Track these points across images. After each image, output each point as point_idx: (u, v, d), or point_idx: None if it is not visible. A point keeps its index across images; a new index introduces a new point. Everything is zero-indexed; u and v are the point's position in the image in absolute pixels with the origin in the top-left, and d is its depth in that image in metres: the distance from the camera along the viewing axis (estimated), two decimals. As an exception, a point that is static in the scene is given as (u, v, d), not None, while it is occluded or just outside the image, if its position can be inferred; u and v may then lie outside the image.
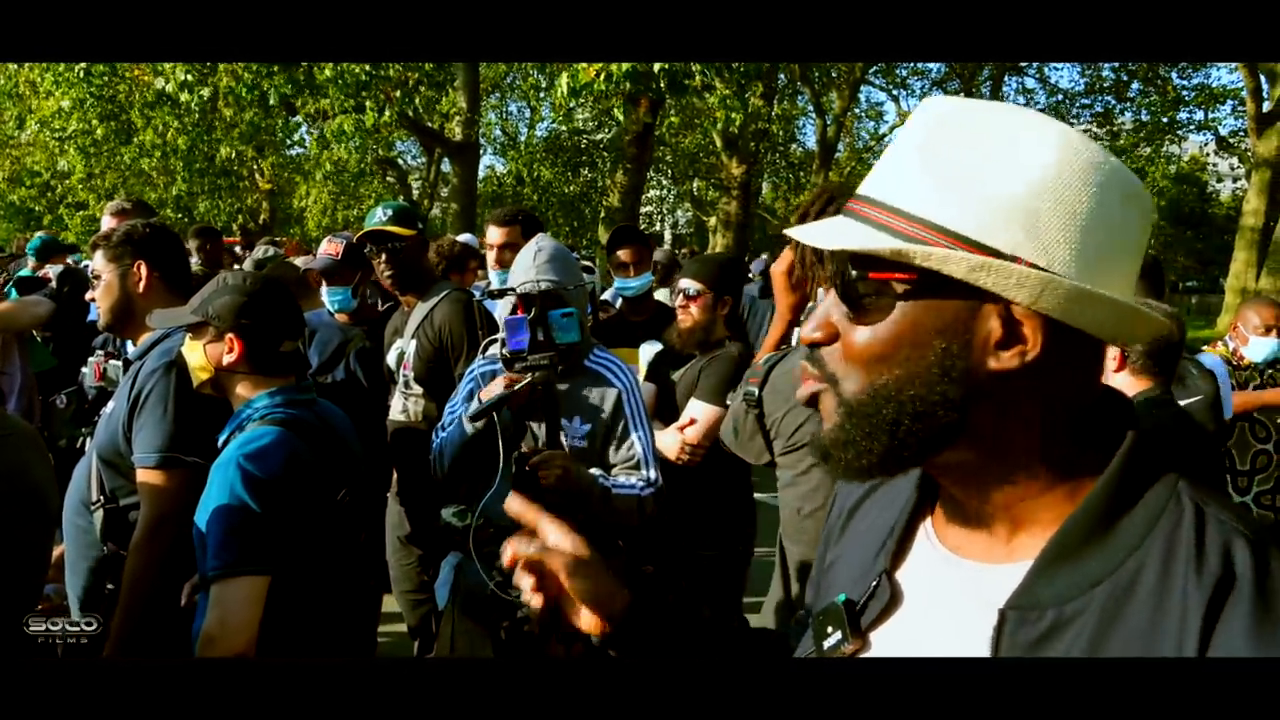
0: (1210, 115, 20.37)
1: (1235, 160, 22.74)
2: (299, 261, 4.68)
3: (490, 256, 3.84)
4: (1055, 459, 0.77)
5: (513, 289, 2.43)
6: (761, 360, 2.05)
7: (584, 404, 2.46)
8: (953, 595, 0.80)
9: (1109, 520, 0.73)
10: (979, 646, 0.74)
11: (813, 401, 0.83)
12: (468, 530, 2.39)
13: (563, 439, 2.41)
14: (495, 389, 2.37)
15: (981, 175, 0.73)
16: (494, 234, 3.82)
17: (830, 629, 0.87)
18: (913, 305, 0.75)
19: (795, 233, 0.82)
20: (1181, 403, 2.82)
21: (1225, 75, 20.97)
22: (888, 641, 0.84)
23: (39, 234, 7.30)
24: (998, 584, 0.76)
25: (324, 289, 3.73)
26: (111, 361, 3.03)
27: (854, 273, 0.76)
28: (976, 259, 0.70)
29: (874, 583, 0.86)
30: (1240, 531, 0.69)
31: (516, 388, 2.31)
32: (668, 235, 34.86)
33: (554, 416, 2.37)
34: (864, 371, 0.77)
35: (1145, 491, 0.74)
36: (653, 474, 2.45)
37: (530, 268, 2.41)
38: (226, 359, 2.02)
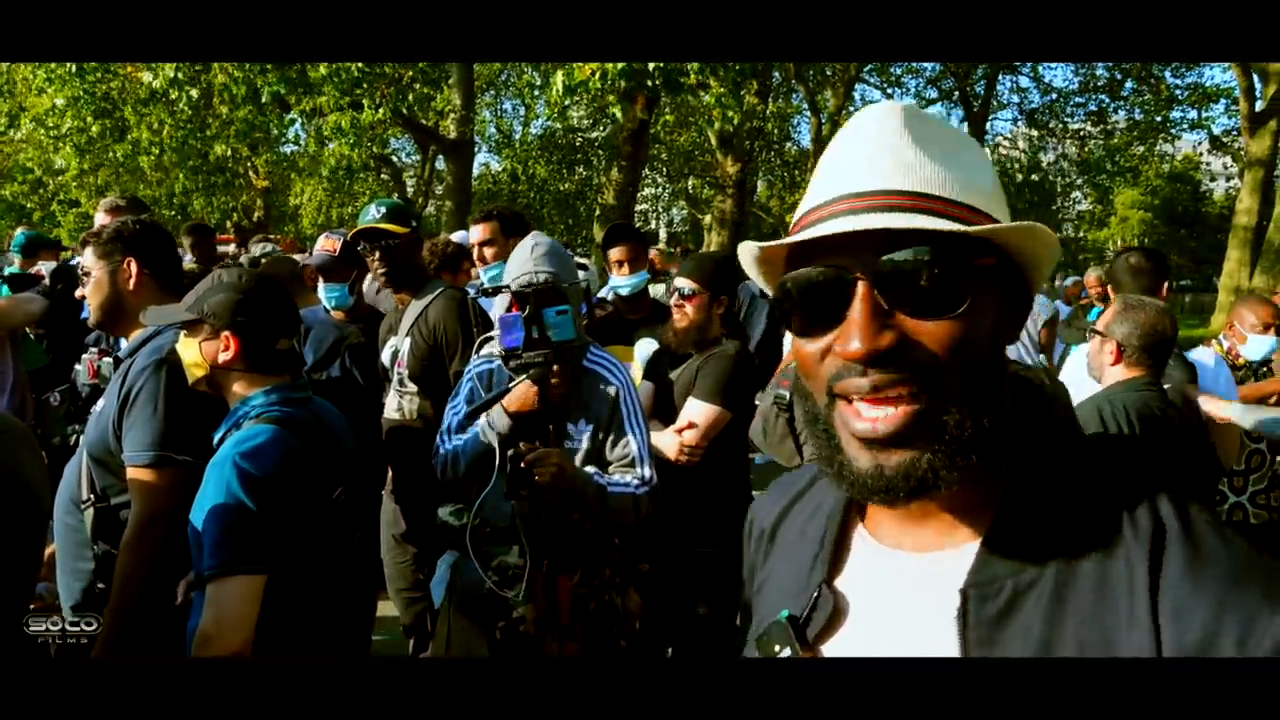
0: (1203, 114, 20.42)
1: (1228, 159, 22.82)
2: (295, 258, 4.67)
3: (474, 254, 3.89)
4: (998, 441, 0.77)
5: (506, 286, 2.43)
6: (793, 363, 1.98)
7: (584, 403, 2.46)
8: (903, 589, 0.80)
9: (1047, 492, 0.78)
10: (944, 631, 0.75)
11: (892, 442, 0.73)
12: (465, 529, 2.39)
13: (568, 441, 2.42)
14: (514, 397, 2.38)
15: (968, 170, 0.78)
16: (474, 232, 3.88)
17: (777, 647, 0.85)
18: (986, 290, 0.74)
19: (875, 221, 0.73)
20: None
21: (1219, 74, 21.06)
22: (841, 649, 0.84)
23: (21, 230, 7.23)
24: (948, 569, 0.78)
25: (321, 286, 3.72)
26: (105, 359, 3.02)
27: (940, 261, 0.71)
28: (1050, 232, 0.75)
29: (815, 594, 0.85)
30: (1159, 489, 0.76)
31: (517, 383, 2.34)
32: (663, 233, 34.86)
33: (549, 414, 2.36)
34: (965, 372, 0.73)
35: (1073, 462, 0.80)
36: (648, 472, 2.45)
37: (528, 261, 2.41)
38: (222, 356, 2.01)
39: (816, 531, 0.90)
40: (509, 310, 2.41)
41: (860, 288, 0.73)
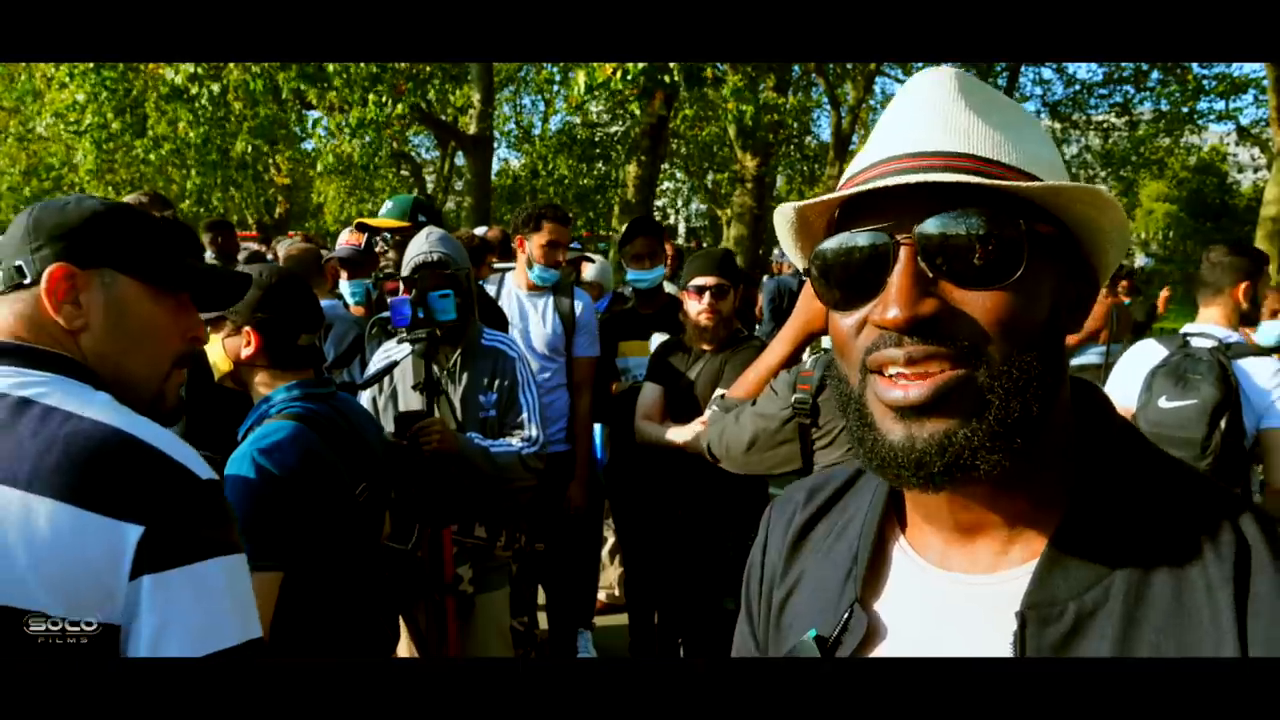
0: (1231, 105, 20.10)
1: (1256, 150, 22.45)
2: (320, 250, 4.68)
3: (554, 255, 3.68)
4: (1051, 441, 0.72)
5: (397, 273, 2.82)
6: (810, 362, 1.90)
7: (489, 378, 2.81)
8: (950, 614, 0.74)
9: (1113, 507, 0.71)
10: (997, 655, 0.70)
11: (925, 409, 0.67)
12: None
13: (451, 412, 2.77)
14: (378, 363, 2.79)
15: (1025, 138, 0.72)
16: (557, 231, 3.68)
17: None
18: (1043, 263, 0.68)
19: (918, 178, 0.67)
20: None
21: (1247, 65, 20.66)
22: None
23: None
24: (1002, 593, 0.71)
25: (345, 281, 3.74)
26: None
27: (991, 225, 0.66)
28: (1113, 201, 0.68)
29: (846, 615, 0.79)
30: (1241, 505, 0.69)
31: (398, 358, 2.70)
32: (682, 228, 34.77)
33: (433, 388, 2.66)
34: (1013, 349, 0.66)
35: (1142, 472, 0.73)
36: (534, 432, 2.79)
37: (423, 243, 2.74)
38: (245, 352, 2.03)
39: (849, 543, 0.83)
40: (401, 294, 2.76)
41: (903, 252, 0.68)
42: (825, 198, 0.74)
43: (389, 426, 2.68)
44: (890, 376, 0.68)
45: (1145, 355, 2.95)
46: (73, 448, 1.02)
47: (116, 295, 1.22)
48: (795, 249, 0.82)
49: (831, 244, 0.72)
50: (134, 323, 1.24)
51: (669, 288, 4.04)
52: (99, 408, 1.10)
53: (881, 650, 0.78)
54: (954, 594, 0.75)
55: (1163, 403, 2.74)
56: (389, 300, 2.69)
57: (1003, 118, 0.72)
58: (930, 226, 0.67)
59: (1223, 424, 2.67)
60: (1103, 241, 0.72)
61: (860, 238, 0.70)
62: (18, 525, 0.97)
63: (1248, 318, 3.03)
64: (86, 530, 0.99)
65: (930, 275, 0.67)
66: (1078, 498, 0.72)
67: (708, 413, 2.12)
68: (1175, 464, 0.74)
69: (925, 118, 0.72)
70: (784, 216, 0.79)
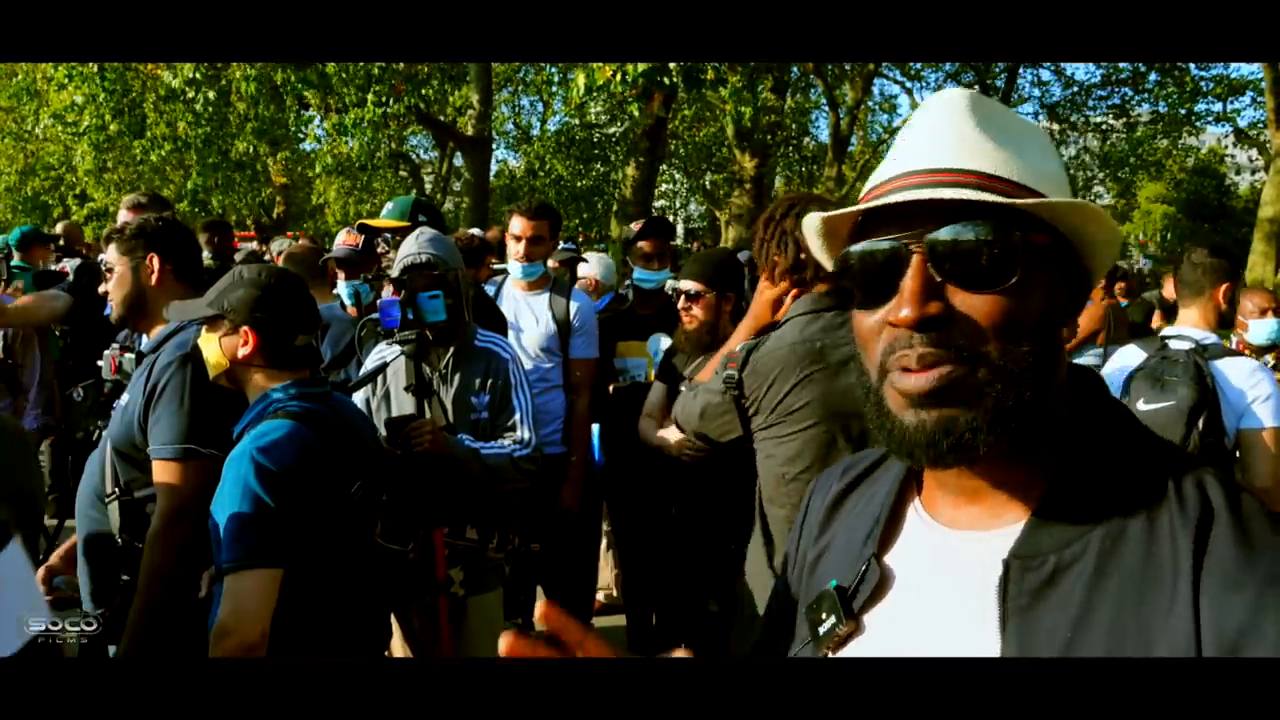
0: (1229, 107, 20.13)
1: (1254, 152, 22.48)
2: (319, 249, 4.68)
3: (519, 248, 3.66)
4: (1046, 420, 0.80)
5: (391, 275, 2.77)
6: (739, 346, 2.16)
7: (481, 379, 2.79)
8: (951, 563, 0.83)
9: (1097, 473, 0.80)
10: (984, 602, 0.78)
11: (933, 398, 0.77)
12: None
13: (441, 413, 2.76)
14: (372, 365, 2.79)
15: (1029, 155, 0.81)
16: (520, 225, 3.65)
17: (825, 615, 0.90)
18: (1038, 268, 0.77)
19: (926, 194, 0.77)
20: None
21: (1245, 66, 20.67)
22: (884, 621, 0.87)
23: (18, 227, 7.26)
24: (995, 547, 0.80)
25: (342, 281, 3.74)
26: (125, 354, 3.04)
27: (990, 235, 0.75)
28: (1101, 212, 0.78)
29: (863, 566, 0.89)
30: (1207, 472, 0.78)
31: (389, 359, 2.72)
32: (680, 229, 34.80)
33: (424, 390, 2.65)
34: (1009, 344, 0.76)
35: (1125, 444, 0.82)
36: (526, 434, 2.76)
37: (412, 244, 2.73)
38: (241, 352, 2.03)
39: (875, 509, 0.94)
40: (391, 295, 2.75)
41: (915, 260, 0.77)
42: (847, 210, 0.84)
43: (382, 430, 2.66)
44: (903, 370, 0.78)
45: (1125, 359, 2.98)
46: None
47: None
48: (823, 252, 0.92)
49: (854, 250, 0.82)
50: None
51: (668, 286, 4.04)
52: None
53: (890, 596, 0.88)
54: (955, 547, 0.84)
55: (1141, 405, 2.79)
56: (378, 302, 2.68)
57: (1010, 136, 0.82)
58: (938, 236, 0.77)
59: (1200, 424, 2.72)
60: (1094, 248, 0.82)
61: (878, 245, 0.80)
62: None
63: (1225, 320, 3.05)
64: None
65: (938, 280, 0.77)
66: (1064, 467, 0.81)
67: (681, 394, 2.35)
68: (1154, 439, 0.83)
69: (939, 136, 0.82)
70: (811, 225, 0.89)
